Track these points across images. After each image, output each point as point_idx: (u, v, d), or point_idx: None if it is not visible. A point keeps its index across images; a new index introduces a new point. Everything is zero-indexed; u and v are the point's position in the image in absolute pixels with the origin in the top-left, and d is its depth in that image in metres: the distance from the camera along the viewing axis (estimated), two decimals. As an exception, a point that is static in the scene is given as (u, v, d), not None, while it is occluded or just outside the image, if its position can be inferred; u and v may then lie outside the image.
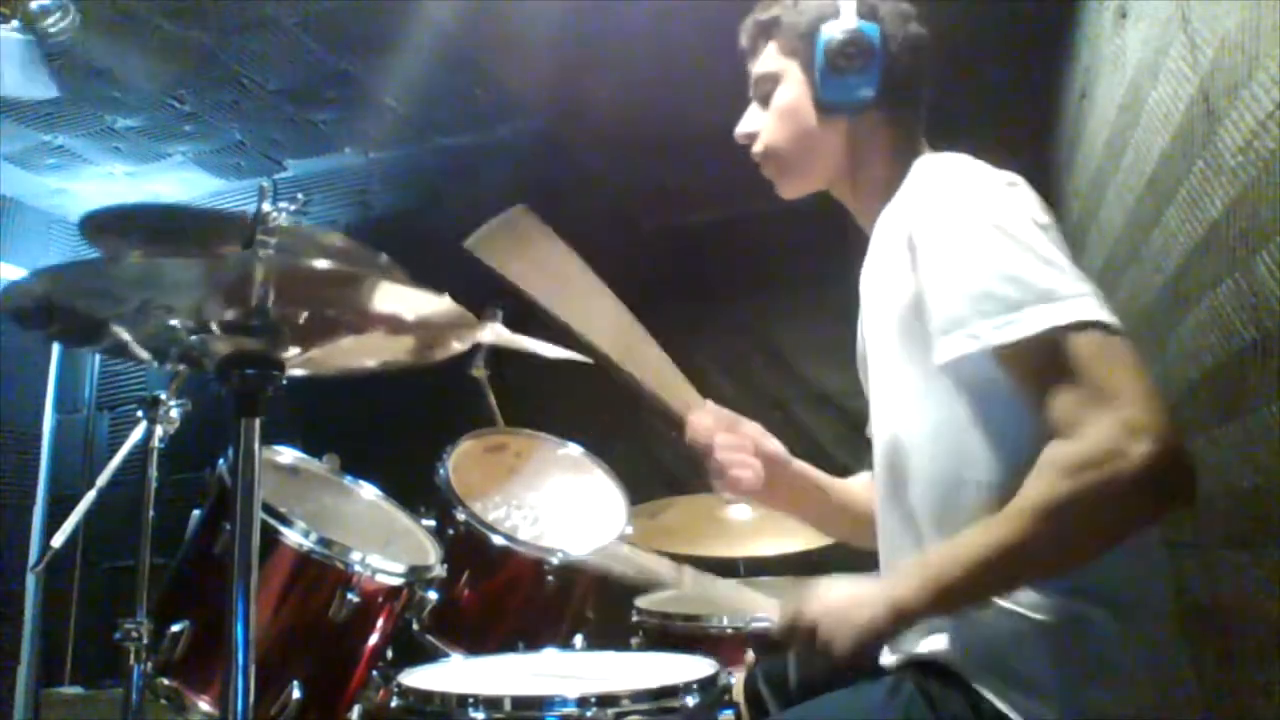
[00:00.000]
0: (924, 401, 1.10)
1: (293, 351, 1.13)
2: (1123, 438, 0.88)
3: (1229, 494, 1.37)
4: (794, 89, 1.26)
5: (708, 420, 1.40)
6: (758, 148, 1.30)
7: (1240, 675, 1.40)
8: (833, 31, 1.20)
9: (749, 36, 1.32)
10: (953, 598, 0.99)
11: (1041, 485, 0.93)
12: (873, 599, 1.02)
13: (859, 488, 1.46)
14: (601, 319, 1.39)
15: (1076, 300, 0.95)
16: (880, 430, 1.20)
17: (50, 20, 2.52)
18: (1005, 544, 0.95)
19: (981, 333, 0.98)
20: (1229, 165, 1.26)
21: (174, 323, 1.08)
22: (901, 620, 1.00)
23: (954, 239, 1.03)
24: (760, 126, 1.30)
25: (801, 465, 1.45)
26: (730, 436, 1.40)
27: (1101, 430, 0.89)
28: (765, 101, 1.29)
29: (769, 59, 1.29)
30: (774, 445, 1.42)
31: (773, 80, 1.28)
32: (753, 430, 1.42)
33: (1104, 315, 0.95)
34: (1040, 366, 0.95)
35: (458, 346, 1.26)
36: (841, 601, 1.04)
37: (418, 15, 2.65)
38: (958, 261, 1.02)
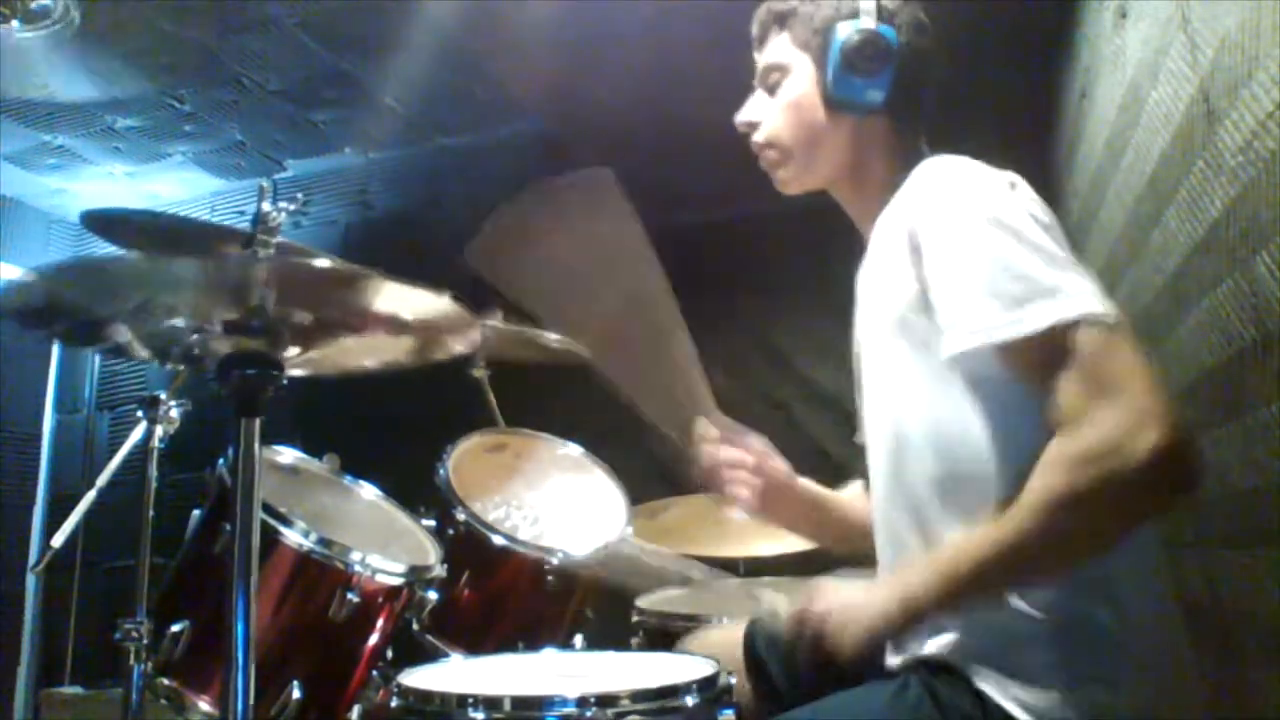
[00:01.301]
0: (927, 398, 1.10)
1: (293, 351, 1.13)
2: (1128, 430, 0.88)
3: (1229, 494, 1.37)
4: (803, 83, 1.26)
5: (713, 434, 1.40)
6: (759, 137, 1.30)
7: (1240, 675, 1.40)
8: (851, 30, 1.20)
9: (761, 24, 1.31)
10: (963, 594, 1.00)
11: (1048, 480, 0.93)
12: (882, 597, 1.03)
13: (851, 499, 1.47)
14: (595, 328, 1.41)
15: (1080, 296, 0.96)
16: (879, 429, 1.20)
17: (50, 20, 2.52)
18: (1015, 539, 0.95)
19: (989, 328, 0.98)
20: (1229, 165, 1.26)
21: (174, 322, 1.07)
22: (912, 617, 1.01)
23: (959, 237, 1.04)
24: (764, 116, 1.29)
25: (803, 486, 1.46)
26: (733, 453, 1.40)
27: (1107, 423, 0.90)
28: (772, 91, 1.29)
29: (780, 49, 1.28)
30: (778, 467, 1.42)
31: (781, 71, 1.28)
32: (758, 448, 1.42)
33: (1107, 310, 0.95)
34: (1045, 361, 0.96)
35: (458, 348, 1.26)
36: (850, 600, 1.05)
37: (418, 15, 2.65)
38: (964, 258, 1.02)
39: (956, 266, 1.03)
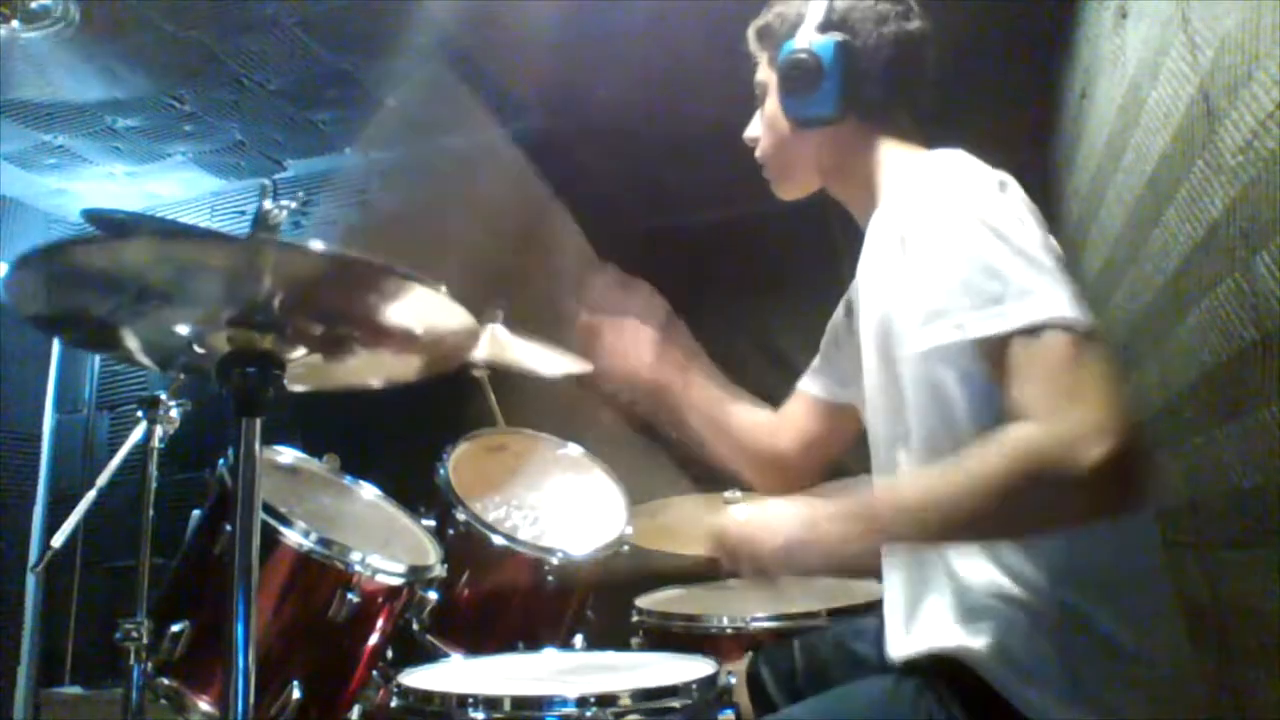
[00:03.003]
0: (913, 393, 1.11)
1: (298, 351, 1.13)
2: (1083, 436, 0.88)
3: (1229, 494, 1.38)
4: (774, 100, 1.30)
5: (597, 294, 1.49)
6: (757, 152, 1.35)
7: (1240, 675, 1.40)
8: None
9: (752, 44, 1.34)
10: (873, 535, 1.05)
11: (993, 458, 0.94)
12: (792, 521, 1.06)
13: (755, 418, 1.53)
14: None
15: (1054, 300, 0.96)
16: (873, 421, 1.21)
17: (50, 20, 2.52)
18: (938, 502, 0.98)
19: (963, 324, 0.99)
20: (1229, 165, 1.26)
21: (179, 324, 1.07)
22: (820, 545, 1.04)
23: (942, 233, 1.05)
24: (758, 132, 1.34)
25: (704, 378, 1.52)
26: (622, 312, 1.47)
27: (1061, 426, 0.90)
28: (764, 108, 1.33)
29: (761, 68, 1.33)
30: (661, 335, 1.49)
31: (764, 89, 1.32)
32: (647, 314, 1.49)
33: (1080, 316, 0.96)
34: (1014, 361, 0.96)
35: (461, 361, 1.26)
36: (760, 524, 1.08)
37: (418, 15, 2.65)
38: (944, 254, 1.03)
39: (936, 262, 1.04)
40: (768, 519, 1.08)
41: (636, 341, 1.47)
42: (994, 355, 0.98)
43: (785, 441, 1.50)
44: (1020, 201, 1.07)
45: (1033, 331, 0.95)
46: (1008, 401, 0.96)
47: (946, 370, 1.06)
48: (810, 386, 1.49)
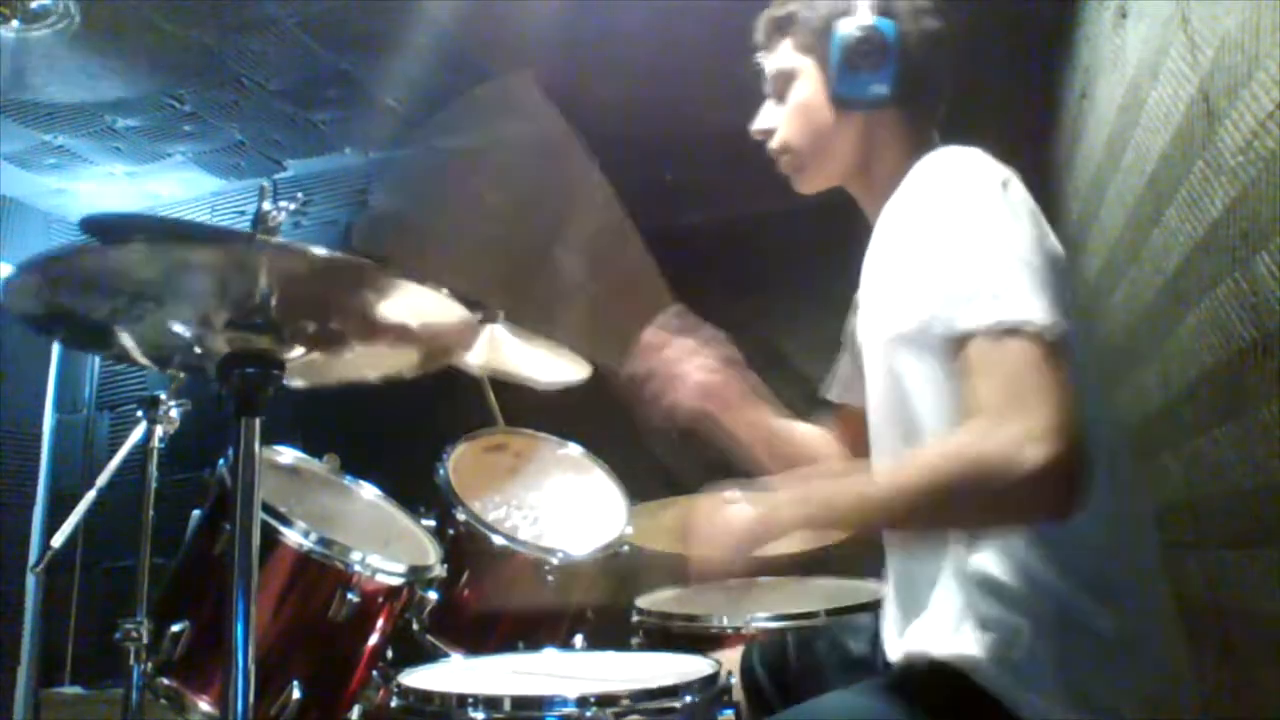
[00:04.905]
0: (914, 386, 1.11)
1: (296, 351, 1.13)
2: (1022, 443, 0.90)
3: (1229, 494, 1.38)
4: (810, 86, 1.27)
5: (660, 339, 1.47)
6: (774, 143, 1.31)
7: (1240, 675, 1.40)
8: (849, 28, 1.21)
9: (764, 32, 1.32)
10: (819, 525, 1.11)
11: (934, 459, 0.99)
12: (749, 515, 1.09)
13: (808, 437, 1.51)
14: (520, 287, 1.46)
15: (1026, 303, 0.97)
16: (874, 416, 1.22)
17: (50, 20, 2.53)
18: (890, 495, 1.03)
19: (932, 317, 1.02)
20: (1229, 165, 1.26)
21: (176, 326, 1.07)
22: (771, 535, 1.09)
23: (931, 226, 1.06)
24: (776, 122, 1.30)
25: (763, 404, 1.49)
26: (680, 348, 1.46)
27: (1005, 431, 0.92)
28: (781, 97, 1.30)
29: (785, 55, 1.29)
30: (735, 368, 1.48)
31: (788, 77, 1.29)
32: (717, 347, 1.48)
33: (1051, 322, 0.96)
34: (974, 359, 0.98)
35: (459, 357, 1.26)
36: (720, 516, 1.12)
37: (418, 15, 2.65)
38: (929, 247, 1.05)
39: (919, 255, 1.06)
40: (726, 522, 1.11)
41: (695, 365, 1.46)
42: (956, 351, 0.99)
43: (837, 452, 1.49)
44: (1021, 201, 1.07)
45: (997, 333, 0.96)
46: (963, 398, 0.98)
47: (910, 359, 1.08)
48: (831, 393, 1.49)
